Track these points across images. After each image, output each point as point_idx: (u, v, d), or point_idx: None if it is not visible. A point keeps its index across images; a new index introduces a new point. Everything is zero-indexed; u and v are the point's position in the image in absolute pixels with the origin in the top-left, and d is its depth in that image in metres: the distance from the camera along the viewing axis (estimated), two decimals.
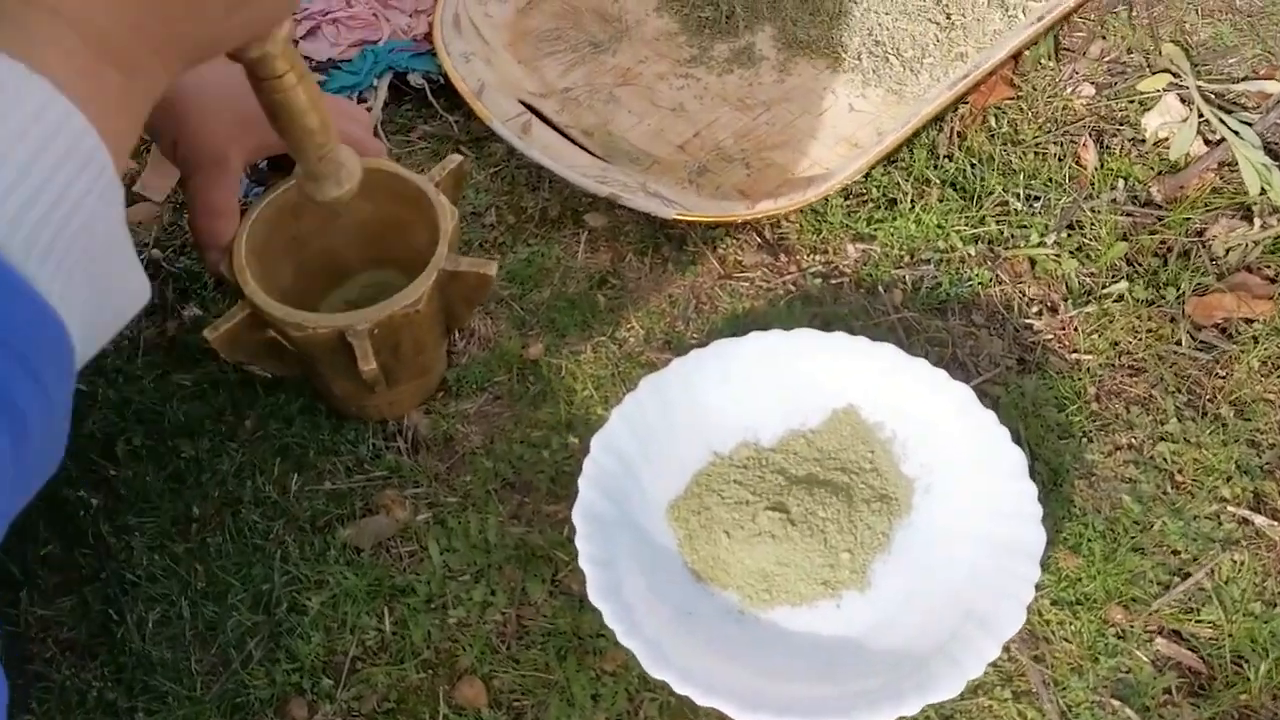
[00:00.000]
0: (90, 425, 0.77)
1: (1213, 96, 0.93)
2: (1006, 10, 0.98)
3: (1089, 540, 0.69)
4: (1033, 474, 0.67)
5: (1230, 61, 0.96)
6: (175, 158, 0.67)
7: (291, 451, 0.75)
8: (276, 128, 0.56)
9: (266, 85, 0.52)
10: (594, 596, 0.62)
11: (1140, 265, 0.83)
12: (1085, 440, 0.73)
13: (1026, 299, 0.81)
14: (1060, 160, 0.89)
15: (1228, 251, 0.83)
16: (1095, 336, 0.79)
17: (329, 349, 0.67)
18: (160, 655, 0.67)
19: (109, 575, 0.70)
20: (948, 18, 0.97)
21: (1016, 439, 0.69)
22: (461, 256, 0.68)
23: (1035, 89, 0.94)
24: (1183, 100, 0.92)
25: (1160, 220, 0.86)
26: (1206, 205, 0.86)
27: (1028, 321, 0.80)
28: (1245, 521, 0.70)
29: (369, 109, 0.94)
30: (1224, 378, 0.77)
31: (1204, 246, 0.84)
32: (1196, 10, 1.00)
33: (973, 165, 0.89)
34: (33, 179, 0.32)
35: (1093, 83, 0.95)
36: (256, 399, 0.77)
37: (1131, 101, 0.93)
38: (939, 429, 0.70)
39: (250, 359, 0.70)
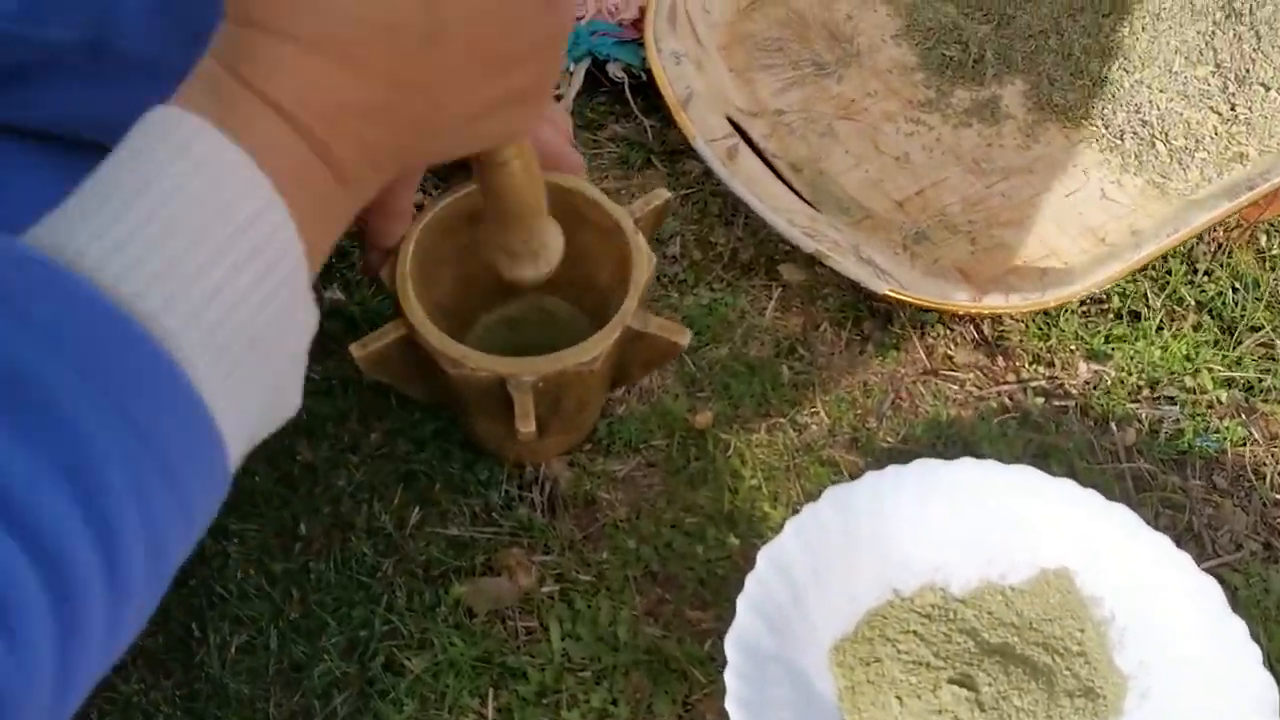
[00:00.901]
0: None
1: None
2: None
3: None
4: None
5: None
6: None
7: (416, 480, 0.66)
8: (486, 203, 0.51)
9: (487, 169, 0.49)
10: None
11: None
12: None
13: None
14: None
15: None
16: None
17: (483, 391, 0.58)
18: (238, 689, 0.60)
19: (197, 583, 0.63)
20: (1232, 109, 0.84)
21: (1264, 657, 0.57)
22: (652, 315, 0.59)
23: None
24: None
25: None
26: None
27: None
28: None
29: (559, 96, 0.84)
30: None
31: None
32: None
33: (1235, 289, 0.76)
34: (233, 284, 0.30)
35: None
36: (387, 409, 0.69)
37: None
38: (1170, 625, 0.58)
39: (394, 381, 0.62)
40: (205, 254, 0.30)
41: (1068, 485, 0.61)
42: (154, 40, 0.47)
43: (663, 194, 0.64)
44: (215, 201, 0.30)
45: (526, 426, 0.55)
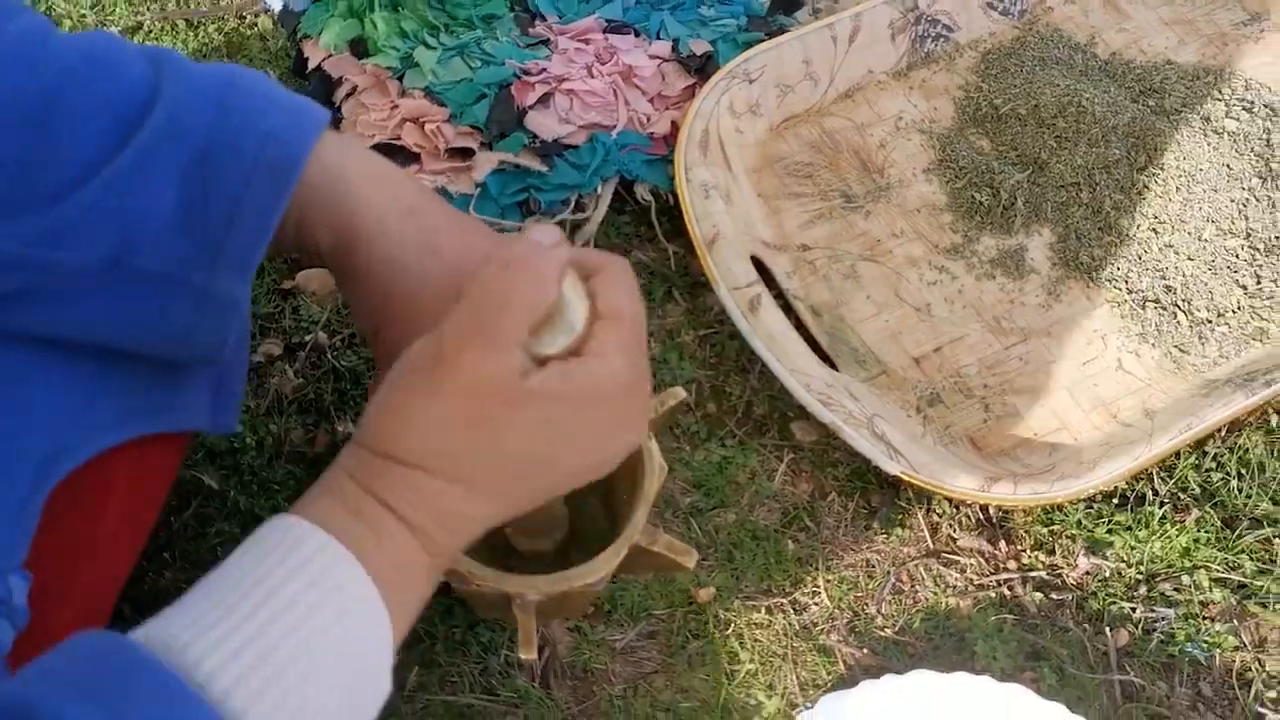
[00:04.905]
0: (213, 535, 0.70)
1: None
2: None
3: None
4: None
5: None
6: (373, 344, 0.57)
7: (417, 639, 0.67)
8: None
9: None
10: None
11: None
12: None
13: (1266, 675, 0.70)
14: None
15: None
16: None
17: (487, 600, 0.59)
18: None
19: None
20: (1257, 283, 0.83)
21: None
22: (660, 533, 0.59)
23: None
24: None
25: None
26: None
27: (1263, 711, 0.69)
28: None
29: (586, 218, 0.83)
30: None
31: None
32: None
33: (1241, 475, 0.77)
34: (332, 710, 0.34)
35: None
36: None
37: None
38: None
39: None
40: (319, 687, 0.34)
41: (1057, 711, 0.63)
42: (173, 258, 0.46)
43: (678, 394, 0.63)
44: (341, 638, 0.35)
45: (529, 653, 0.56)
